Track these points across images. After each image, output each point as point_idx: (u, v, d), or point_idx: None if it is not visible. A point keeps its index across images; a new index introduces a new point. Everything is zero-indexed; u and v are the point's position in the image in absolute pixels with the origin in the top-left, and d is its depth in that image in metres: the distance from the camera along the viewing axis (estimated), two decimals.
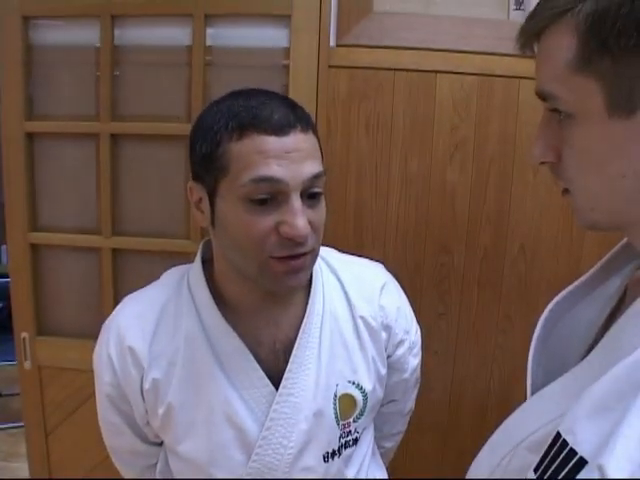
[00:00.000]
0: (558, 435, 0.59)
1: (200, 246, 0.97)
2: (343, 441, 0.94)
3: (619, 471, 0.51)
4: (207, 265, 0.95)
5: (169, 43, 1.59)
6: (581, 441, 0.57)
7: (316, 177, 0.82)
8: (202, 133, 0.83)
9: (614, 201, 0.61)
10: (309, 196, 0.82)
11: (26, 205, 1.70)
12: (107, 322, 0.97)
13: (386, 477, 1.12)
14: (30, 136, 1.67)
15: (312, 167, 0.81)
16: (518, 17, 1.45)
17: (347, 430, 0.94)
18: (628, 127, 0.55)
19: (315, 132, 0.86)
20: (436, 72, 1.50)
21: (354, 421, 0.95)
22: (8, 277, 1.81)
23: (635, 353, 0.56)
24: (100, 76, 1.61)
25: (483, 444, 0.76)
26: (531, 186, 1.53)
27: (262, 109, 0.80)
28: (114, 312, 0.97)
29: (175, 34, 1.58)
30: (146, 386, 0.92)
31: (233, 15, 1.55)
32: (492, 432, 0.74)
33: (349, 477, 0.97)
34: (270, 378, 0.90)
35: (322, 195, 0.85)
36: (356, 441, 0.97)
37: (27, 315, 1.80)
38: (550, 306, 0.80)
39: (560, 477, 0.57)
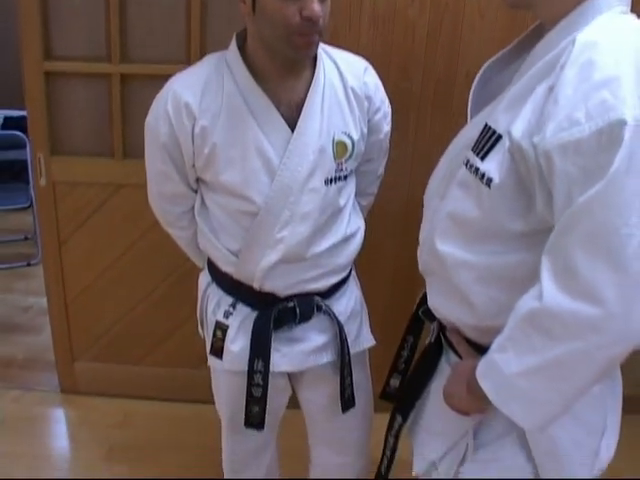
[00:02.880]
0: (486, 125, 0.97)
1: (234, 35, 1.28)
2: (337, 174, 1.30)
3: (516, 129, 0.89)
4: (240, 48, 1.26)
5: None
6: (500, 125, 0.96)
7: None
8: None
9: None
10: None
11: (40, 34, 1.90)
12: (161, 92, 1.29)
13: (363, 223, 1.49)
14: None
15: None
16: None
17: (340, 167, 1.30)
18: None
19: None
20: None
21: (345, 161, 1.31)
22: None
23: (537, 64, 0.93)
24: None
25: None
26: (477, 26, 1.86)
27: None
28: (167, 84, 1.29)
29: None
30: (197, 131, 1.24)
31: None
32: None
33: (341, 203, 1.34)
34: (288, 126, 1.25)
35: None
36: (345, 178, 1.33)
37: (42, 137, 2.04)
38: (483, 69, 1.17)
39: (485, 149, 0.96)
